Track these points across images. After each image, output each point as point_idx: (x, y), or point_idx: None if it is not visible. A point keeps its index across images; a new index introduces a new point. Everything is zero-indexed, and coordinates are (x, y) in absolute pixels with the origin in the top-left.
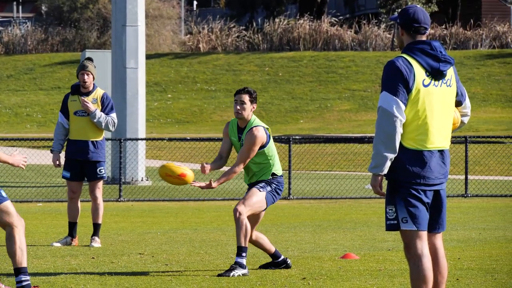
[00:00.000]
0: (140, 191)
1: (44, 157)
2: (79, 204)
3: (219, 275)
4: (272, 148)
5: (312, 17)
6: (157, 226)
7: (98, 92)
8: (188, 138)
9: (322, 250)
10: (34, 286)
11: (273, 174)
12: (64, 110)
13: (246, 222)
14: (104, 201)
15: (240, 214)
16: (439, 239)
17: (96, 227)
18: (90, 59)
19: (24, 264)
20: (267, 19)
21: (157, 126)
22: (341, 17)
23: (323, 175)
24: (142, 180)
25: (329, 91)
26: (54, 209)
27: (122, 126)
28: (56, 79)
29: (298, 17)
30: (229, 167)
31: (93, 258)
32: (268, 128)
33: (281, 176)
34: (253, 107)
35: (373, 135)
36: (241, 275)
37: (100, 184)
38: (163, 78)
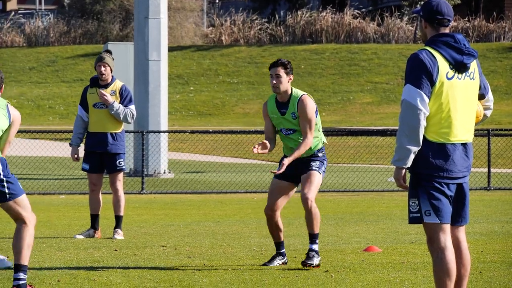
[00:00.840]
0: (162, 184)
1: (66, 149)
2: (101, 196)
3: (303, 263)
4: (318, 118)
5: (334, 9)
6: (180, 219)
7: (117, 84)
8: (211, 130)
9: (345, 243)
10: (29, 285)
11: (323, 143)
12: (83, 103)
13: (317, 209)
14: (126, 193)
15: (311, 202)
16: (462, 232)
17: (118, 219)
18: (108, 51)
19: (26, 262)
20: (290, 11)
21: (179, 118)
22: (363, 10)
23: (345, 168)
24: (164, 172)
25: (351, 83)
26: (77, 201)
27: (144, 119)
28: (79, 72)
29: (320, 9)
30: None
31: (116, 250)
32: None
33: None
34: (290, 78)
35: (396, 128)
36: (318, 263)
37: (120, 176)
38: (185, 70)
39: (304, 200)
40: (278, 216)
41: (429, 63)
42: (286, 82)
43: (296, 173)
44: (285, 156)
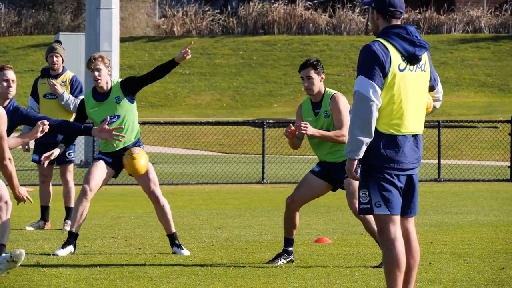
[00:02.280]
0: None
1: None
2: (51, 187)
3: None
4: None
5: (286, 1)
6: (130, 210)
7: (68, 75)
8: (162, 121)
9: (296, 234)
10: None
11: None
12: (34, 93)
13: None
14: (77, 185)
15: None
16: (411, 223)
17: (69, 210)
18: (58, 41)
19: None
20: (242, 2)
21: None
22: (315, 1)
23: (297, 159)
24: None
25: None
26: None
27: None
28: (30, 62)
29: (272, 1)
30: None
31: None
32: None
33: None
34: (322, 78)
35: (350, 121)
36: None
37: (71, 167)
38: (137, 61)
39: (354, 211)
40: (297, 210)
41: (381, 55)
42: (318, 82)
43: (334, 177)
44: (321, 162)
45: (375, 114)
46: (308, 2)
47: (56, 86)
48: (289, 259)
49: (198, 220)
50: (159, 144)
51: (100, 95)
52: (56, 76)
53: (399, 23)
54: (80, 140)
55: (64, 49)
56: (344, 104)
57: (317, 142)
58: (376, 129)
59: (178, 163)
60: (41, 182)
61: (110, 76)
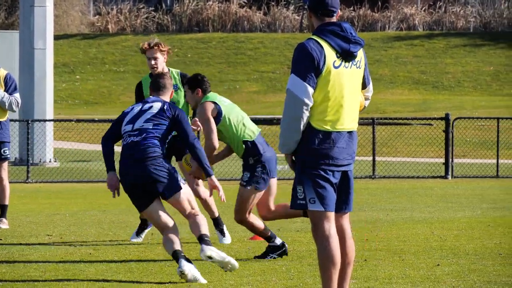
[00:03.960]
0: (48, 173)
1: None
2: None
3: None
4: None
5: None
6: (66, 208)
7: (1, 73)
8: (96, 119)
9: (231, 231)
10: None
11: None
12: None
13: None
14: (11, 182)
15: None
16: (346, 219)
17: (3, 208)
18: None
19: None
20: (177, 0)
21: (65, 107)
22: None
23: (232, 157)
24: (50, 161)
25: (238, 72)
26: None
27: (29, 107)
28: None
29: None
30: None
31: (0, 239)
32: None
33: None
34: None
35: (282, 116)
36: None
37: (5, 165)
38: (72, 59)
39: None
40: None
41: (315, 53)
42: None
43: None
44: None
45: (305, 114)
46: (243, 0)
47: None
48: (280, 251)
49: (134, 218)
50: (94, 142)
51: None
52: None
53: (334, 20)
54: (15, 138)
55: None
56: (200, 115)
57: None
58: (311, 125)
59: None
60: None
61: (165, 61)
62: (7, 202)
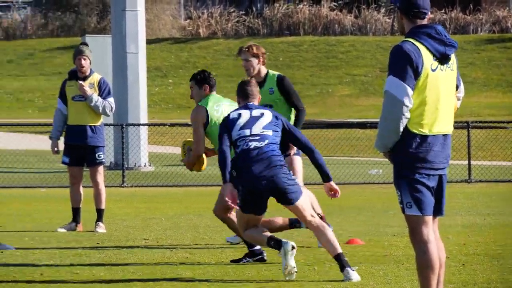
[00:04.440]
0: (143, 177)
1: (46, 142)
2: (82, 189)
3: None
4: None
5: (311, 1)
6: (161, 212)
7: (95, 77)
8: (190, 123)
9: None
10: None
11: None
12: (62, 96)
13: None
14: (107, 186)
15: None
16: (436, 224)
17: (100, 212)
18: (85, 43)
19: None
20: (267, 4)
21: (159, 111)
22: (340, 2)
23: (325, 161)
24: (144, 165)
25: (329, 76)
26: (58, 194)
27: (124, 112)
28: (57, 64)
29: (297, 2)
30: None
31: (98, 243)
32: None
33: None
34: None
35: (375, 120)
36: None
37: (101, 169)
38: (164, 63)
39: None
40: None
41: (414, 55)
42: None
43: None
44: None
45: (405, 116)
46: (334, 3)
47: (85, 88)
48: (257, 258)
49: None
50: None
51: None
52: (84, 78)
53: (425, 22)
54: (110, 142)
55: (91, 51)
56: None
57: None
58: (407, 128)
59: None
60: (72, 184)
61: (261, 64)
62: (103, 207)
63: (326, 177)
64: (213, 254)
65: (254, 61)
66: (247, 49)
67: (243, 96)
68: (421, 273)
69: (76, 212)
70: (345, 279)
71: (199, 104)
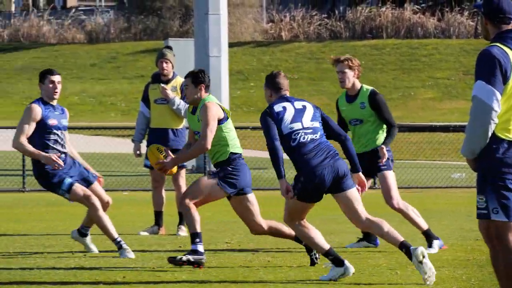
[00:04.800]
0: None
1: (129, 145)
2: (164, 193)
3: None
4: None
5: (394, 4)
6: None
7: (178, 80)
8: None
9: (410, 239)
10: None
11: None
12: (145, 98)
13: None
14: None
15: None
16: None
17: (182, 216)
18: (169, 47)
19: None
20: (349, 7)
21: (240, 114)
22: (423, 5)
23: (408, 164)
24: None
25: (412, 79)
26: (140, 198)
27: None
28: (139, 68)
29: (380, 4)
30: None
31: (180, 247)
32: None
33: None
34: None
35: (458, 123)
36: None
37: (183, 172)
38: (246, 66)
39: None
40: None
41: (502, 60)
42: (351, 77)
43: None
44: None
45: (493, 120)
46: (416, 6)
47: (167, 91)
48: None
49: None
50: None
51: (349, 96)
52: (167, 82)
53: (510, 28)
54: None
55: (174, 55)
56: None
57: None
58: (494, 134)
59: (289, 168)
60: (154, 187)
61: (355, 77)
62: None
63: (355, 168)
64: (295, 257)
65: (350, 73)
66: (343, 61)
67: (274, 89)
68: (508, 279)
69: (158, 215)
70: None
71: (210, 101)
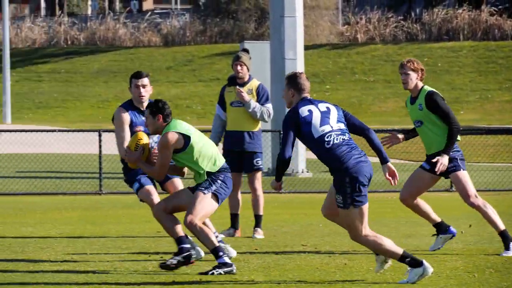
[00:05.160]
0: (301, 183)
1: None
2: (240, 195)
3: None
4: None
5: (470, 6)
6: (319, 218)
7: (254, 83)
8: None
9: (487, 242)
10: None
11: None
12: (221, 101)
13: None
14: (265, 192)
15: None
16: None
17: (258, 218)
18: (245, 50)
19: None
20: (426, 9)
21: None
22: (500, 7)
23: (485, 167)
24: (302, 172)
25: (489, 81)
26: None
27: (281, 118)
28: (215, 71)
29: (456, 6)
30: None
31: (256, 249)
32: None
33: None
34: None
35: None
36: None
37: (259, 175)
38: (321, 69)
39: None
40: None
41: None
42: (414, 79)
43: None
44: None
45: None
46: (493, 8)
47: (242, 94)
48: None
49: (386, 229)
50: None
51: (412, 98)
52: (243, 84)
53: None
54: (267, 148)
55: (250, 58)
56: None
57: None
58: None
59: None
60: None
61: (418, 79)
62: (261, 212)
63: (384, 159)
64: (372, 260)
65: (413, 75)
66: (407, 63)
67: (297, 89)
68: None
69: (234, 218)
70: None
71: (167, 131)
